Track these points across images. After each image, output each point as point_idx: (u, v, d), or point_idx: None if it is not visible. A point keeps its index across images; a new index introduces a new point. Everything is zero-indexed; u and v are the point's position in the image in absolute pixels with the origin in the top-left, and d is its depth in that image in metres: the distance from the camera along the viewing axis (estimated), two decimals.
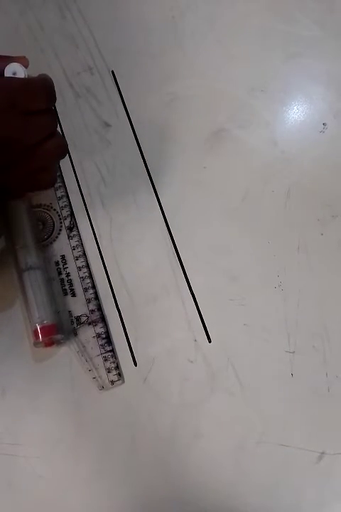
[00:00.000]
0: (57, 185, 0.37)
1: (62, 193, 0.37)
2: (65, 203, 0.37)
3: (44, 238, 0.36)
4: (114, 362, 0.33)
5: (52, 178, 0.33)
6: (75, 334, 0.33)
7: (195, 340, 0.33)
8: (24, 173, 0.30)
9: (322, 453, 0.31)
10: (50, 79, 0.30)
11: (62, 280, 0.35)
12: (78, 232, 0.36)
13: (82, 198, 0.37)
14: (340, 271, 0.35)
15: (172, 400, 0.32)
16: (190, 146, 0.39)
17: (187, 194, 0.37)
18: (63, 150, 0.32)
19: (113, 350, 0.33)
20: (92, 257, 0.35)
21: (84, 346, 0.33)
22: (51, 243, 0.36)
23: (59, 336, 0.32)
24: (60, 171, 0.38)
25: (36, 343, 0.32)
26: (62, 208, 0.37)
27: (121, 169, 0.38)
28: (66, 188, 0.37)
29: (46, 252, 0.35)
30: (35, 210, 0.37)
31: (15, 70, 0.29)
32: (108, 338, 0.33)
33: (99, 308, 0.34)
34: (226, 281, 0.35)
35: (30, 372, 0.33)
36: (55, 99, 0.30)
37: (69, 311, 0.34)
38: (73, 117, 0.40)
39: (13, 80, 0.29)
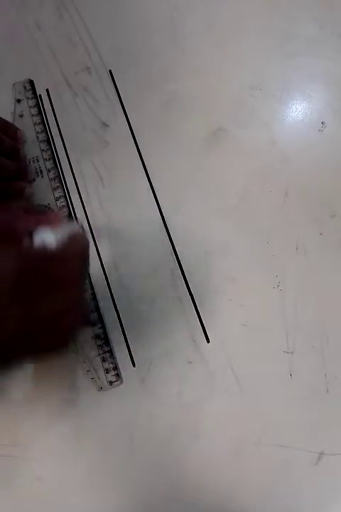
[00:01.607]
0: (55, 185, 0.37)
1: (60, 193, 0.37)
2: (63, 204, 0.37)
3: None
4: (112, 362, 0.33)
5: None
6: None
7: (194, 341, 0.33)
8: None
9: (321, 453, 0.31)
10: (86, 244, 0.26)
11: None
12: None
13: (80, 198, 0.37)
14: (339, 270, 0.35)
15: (171, 401, 0.32)
16: (189, 146, 0.39)
17: (186, 193, 0.37)
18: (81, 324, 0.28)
19: (111, 351, 0.33)
20: (91, 258, 0.35)
21: (82, 347, 0.33)
22: None
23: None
24: (59, 171, 0.38)
25: None
26: (59, 209, 0.37)
27: (119, 169, 0.38)
28: (64, 188, 0.37)
29: None
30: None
31: (45, 238, 0.23)
32: (106, 339, 0.33)
33: (97, 308, 0.34)
34: (225, 282, 0.35)
35: (29, 374, 0.33)
36: (87, 269, 0.27)
37: None
38: (71, 117, 0.40)
39: (43, 251, 0.23)
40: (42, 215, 0.26)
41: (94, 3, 0.44)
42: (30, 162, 0.38)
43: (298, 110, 0.40)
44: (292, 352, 0.33)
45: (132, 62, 0.42)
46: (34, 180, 0.37)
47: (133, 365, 0.33)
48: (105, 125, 0.39)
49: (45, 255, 0.23)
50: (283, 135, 0.39)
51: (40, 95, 0.40)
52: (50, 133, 0.39)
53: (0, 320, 0.21)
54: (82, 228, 0.26)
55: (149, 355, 0.33)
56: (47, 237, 0.23)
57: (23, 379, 0.33)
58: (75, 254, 0.25)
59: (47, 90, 0.40)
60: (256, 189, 0.37)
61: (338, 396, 0.32)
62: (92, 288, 0.35)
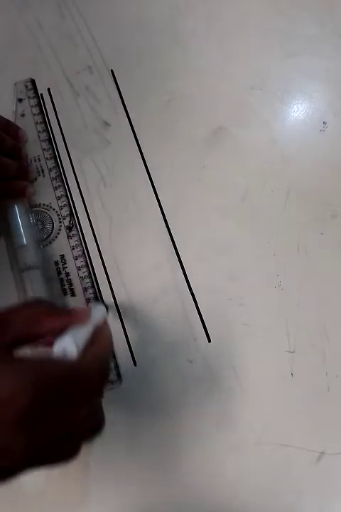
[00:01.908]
0: (56, 184, 0.37)
1: (62, 193, 0.37)
2: (65, 203, 0.37)
3: (43, 238, 0.36)
4: (112, 362, 0.33)
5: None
6: None
7: (195, 340, 0.33)
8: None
9: (322, 453, 0.31)
10: (111, 339, 0.24)
11: (61, 280, 0.35)
12: (77, 231, 0.36)
13: (81, 197, 0.37)
14: (340, 270, 0.35)
15: (173, 400, 0.32)
16: (190, 145, 0.39)
17: (187, 193, 0.37)
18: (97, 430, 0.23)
19: (114, 356, 0.33)
20: (92, 257, 0.35)
21: None
22: (50, 243, 0.36)
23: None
24: (60, 171, 0.38)
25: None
26: (61, 208, 0.37)
27: (120, 168, 0.38)
28: (65, 188, 0.37)
29: (45, 252, 0.35)
30: (34, 210, 0.36)
31: (66, 347, 0.21)
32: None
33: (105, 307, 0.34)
34: (226, 281, 0.35)
35: None
36: (110, 365, 0.25)
37: None
38: (72, 116, 0.40)
39: (62, 365, 0.20)
40: (66, 315, 0.23)
41: (96, 2, 0.44)
42: (31, 161, 0.38)
43: (299, 110, 0.40)
44: (293, 351, 0.33)
45: (133, 61, 0.42)
46: (35, 179, 0.37)
47: (135, 364, 0.33)
48: (106, 124, 0.39)
49: (65, 370, 0.19)
50: (284, 135, 0.39)
51: (41, 94, 0.40)
52: (52, 132, 0.39)
53: (4, 452, 0.18)
54: (107, 311, 0.25)
55: (150, 354, 0.33)
56: (69, 347, 0.20)
57: None
58: (99, 359, 0.22)
59: (48, 89, 0.40)
60: (257, 189, 0.37)
61: (339, 395, 0.32)
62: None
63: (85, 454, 0.32)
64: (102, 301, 0.34)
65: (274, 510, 0.31)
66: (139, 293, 0.35)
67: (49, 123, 0.39)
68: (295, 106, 0.40)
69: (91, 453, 0.32)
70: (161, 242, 0.35)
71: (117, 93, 0.40)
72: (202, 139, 0.39)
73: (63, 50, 0.42)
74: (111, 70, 0.41)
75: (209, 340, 0.33)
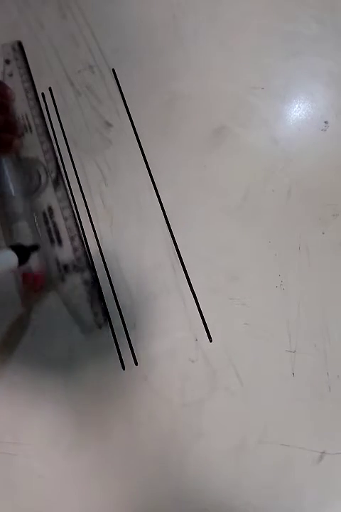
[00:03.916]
0: (43, 139, 0.38)
1: (48, 147, 0.38)
2: (51, 157, 0.38)
3: (31, 191, 0.37)
4: (100, 305, 0.33)
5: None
6: (63, 280, 0.34)
7: (196, 340, 0.33)
8: None
9: (323, 452, 0.31)
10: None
11: (49, 230, 0.36)
12: (64, 184, 0.37)
13: (83, 197, 0.37)
14: None
15: (173, 399, 0.32)
16: (191, 145, 0.39)
17: (188, 193, 0.37)
18: None
19: (100, 297, 0.34)
20: (93, 256, 0.35)
21: (71, 292, 0.34)
22: (38, 195, 0.37)
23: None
24: (46, 127, 0.39)
25: (26, 289, 0.33)
26: (48, 162, 0.38)
27: (122, 168, 0.38)
28: (52, 143, 0.38)
29: (33, 204, 0.36)
30: (22, 164, 0.37)
31: None
32: (94, 284, 0.34)
33: (85, 255, 0.35)
34: (227, 281, 0.35)
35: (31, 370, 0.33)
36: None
37: (56, 260, 0.35)
38: (74, 116, 0.40)
39: None
40: None
41: (97, 2, 0.44)
42: (19, 118, 0.39)
43: (300, 109, 0.40)
44: (294, 351, 0.33)
45: (135, 61, 0.42)
46: (23, 134, 0.39)
47: (136, 363, 0.33)
48: (108, 124, 0.39)
49: None
50: (285, 134, 0.39)
51: (42, 93, 0.40)
52: (53, 131, 0.39)
53: None
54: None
55: (151, 353, 0.33)
56: None
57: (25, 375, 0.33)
58: None
59: (50, 89, 0.40)
60: (259, 188, 0.37)
61: (340, 395, 0.32)
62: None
63: (85, 452, 0.32)
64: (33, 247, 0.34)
65: (275, 509, 0.31)
66: (140, 292, 0.35)
67: (50, 122, 0.39)
68: (296, 105, 0.40)
69: (92, 450, 0.32)
70: (162, 241, 0.36)
71: (119, 93, 0.40)
72: (203, 138, 0.39)
73: (65, 49, 0.42)
74: (113, 70, 0.41)
75: (211, 340, 0.33)
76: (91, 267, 0.34)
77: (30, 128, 0.39)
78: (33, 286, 0.33)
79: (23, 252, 0.30)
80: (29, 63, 0.41)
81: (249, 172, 0.38)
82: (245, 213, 0.36)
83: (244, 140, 0.39)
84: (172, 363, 0.33)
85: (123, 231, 0.36)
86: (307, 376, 0.32)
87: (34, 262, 0.33)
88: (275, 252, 0.35)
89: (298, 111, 0.40)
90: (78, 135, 0.39)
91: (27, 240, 0.34)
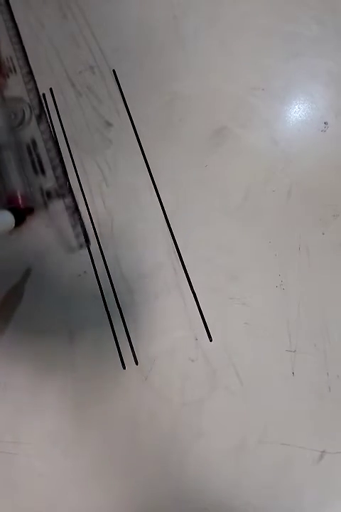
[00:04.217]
0: (27, 79, 0.39)
1: (32, 86, 0.39)
2: (35, 96, 0.38)
3: (16, 126, 0.38)
4: (81, 226, 0.34)
5: None
6: (46, 207, 0.35)
7: (196, 339, 0.33)
8: None
9: (323, 452, 0.31)
10: None
11: (32, 161, 0.37)
12: (46, 119, 0.38)
13: (83, 196, 0.37)
14: None
15: (173, 399, 0.32)
16: (191, 145, 0.39)
17: (188, 193, 0.37)
18: None
19: (81, 219, 0.34)
20: (94, 255, 0.35)
21: (54, 217, 0.35)
22: (22, 129, 0.38)
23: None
24: (30, 68, 0.39)
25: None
26: (31, 100, 0.38)
27: (122, 168, 0.38)
28: (35, 83, 0.38)
29: (17, 137, 0.38)
30: (6, 103, 0.38)
31: None
32: (76, 209, 0.35)
33: (67, 183, 0.36)
34: (227, 280, 0.35)
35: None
36: None
37: (40, 187, 0.36)
38: (75, 116, 0.40)
39: None
40: None
41: (97, 2, 0.44)
42: (4, 60, 0.40)
43: (300, 110, 0.40)
44: (294, 351, 0.33)
45: (135, 61, 0.42)
46: (8, 76, 0.39)
47: (136, 363, 0.33)
48: (108, 124, 0.40)
49: None
50: (285, 135, 0.39)
51: (43, 94, 0.40)
52: (54, 131, 0.39)
53: None
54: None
55: (152, 353, 0.33)
56: None
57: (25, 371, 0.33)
58: None
59: (50, 89, 0.41)
60: (259, 189, 0.37)
61: (340, 395, 0.32)
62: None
63: (86, 451, 0.32)
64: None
65: (275, 509, 0.31)
66: (141, 292, 0.35)
67: (51, 122, 0.39)
68: (296, 106, 0.40)
69: (93, 449, 0.32)
70: (163, 240, 0.36)
71: (119, 93, 0.40)
72: (203, 138, 0.39)
73: (65, 50, 0.42)
74: (113, 70, 0.41)
75: (211, 340, 0.33)
76: (71, 193, 0.36)
77: (15, 69, 0.40)
78: (21, 211, 0.34)
79: (18, 214, 0.31)
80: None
81: (249, 172, 0.38)
82: (245, 213, 0.36)
83: (245, 141, 0.39)
84: (172, 362, 0.33)
85: (124, 231, 0.36)
86: (307, 376, 0.32)
87: (19, 186, 0.35)
88: (276, 252, 0.35)
89: (298, 112, 0.40)
90: (79, 135, 0.39)
91: (11, 168, 0.35)
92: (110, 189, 0.38)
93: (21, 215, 0.32)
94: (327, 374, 0.32)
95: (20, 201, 0.35)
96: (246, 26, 0.43)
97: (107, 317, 0.34)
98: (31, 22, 0.44)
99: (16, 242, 0.37)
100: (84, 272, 0.35)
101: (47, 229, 0.35)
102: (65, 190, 0.36)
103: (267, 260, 0.35)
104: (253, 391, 0.32)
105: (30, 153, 0.38)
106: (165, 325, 0.34)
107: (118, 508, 0.31)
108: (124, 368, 0.33)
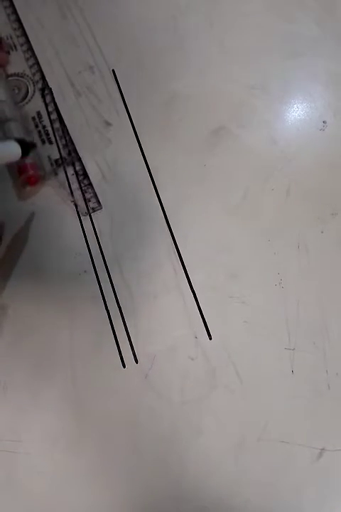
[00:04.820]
0: (28, 56, 0.42)
1: (33, 62, 0.41)
2: (37, 70, 0.41)
3: (20, 100, 0.40)
4: (91, 192, 0.37)
5: None
6: (56, 174, 0.37)
7: (196, 338, 0.33)
8: None
9: (323, 449, 0.31)
10: None
11: (39, 132, 0.39)
12: (50, 92, 0.40)
13: (83, 196, 0.37)
14: (340, 268, 0.35)
15: (173, 397, 0.32)
16: (191, 145, 0.39)
17: (188, 192, 0.37)
18: None
19: (91, 184, 0.37)
20: (94, 255, 0.36)
21: (64, 183, 0.37)
22: (27, 103, 0.40)
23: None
24: (30, 45, 0.42)
25: (24, 184, 0.36)
26: (33, 74, 0.41)
27: (121, 168, 0.38)
28: (36, 58, 0.41)
29: (23, 110, 0.40)
30: (9, 79, 0.41)
31: None
32: (85, 174, 0.37)
33: (75, 150, 0.38)
34: (227, 279, 0.35)
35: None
36: None
37: (48, 156, 0.38)
38: (74, 116, 0.40)
39: None
40: None
41: (97, 2, 0.44)
42: (4, 38, 0.42)
43: (299, 109, 0.40)
44: (293, 349, 0.33)
45: (134, 61, 0.42)
46: (9, 52, 0.42)
47: (136, 361, 0.33)
48: (108, 124, 0.40)
49: None
50: (284, 134, 0.39)
51: (43, 92, 0.40)
52: (54, 131, 0.39)
53: None
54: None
55: (151, 351, 0.33)
56: None
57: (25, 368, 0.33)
58: None
59: (50, 89, 0.41)
60: (258, 187, 0.37)
61: (339, 392, 0.32)
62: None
63: (86, 450, 0.32)
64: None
65: (275, 507, 0.31)
66: (140, 290, 0.35)
67: (51, 122, 0.40)
68: (295, 105, 0.40)
69: (92, 448, 0.32)
70: (162, 239, 0.36)
71: (119, 93, 0.40)
72: (203, 138, 0.39)
73: (65, 50, 0.43)
74: (113, 70, 0.41)
75: (210, 338, 0.33)
76: (80, 159, 0.38)
77: (15, 47, 0.43)
78: (29, 178, 0.36)
79: (24, 146, 0.32)
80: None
81: (249, 171, 0.38)
82: (244, 212, 0.37)
83: (244, 140, 0.39)
84: (172, 360, 0.33)
85: (124, 230, 0.36)
86: (306, 374, 0.33)
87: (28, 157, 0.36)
88: (275, 250, 0.35)
89: (297, 111, 0.40)
90: (78, 135, 0.39)
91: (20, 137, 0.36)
92: (110, 188, 0.38)
93: (27, 146, 0.33)
94: (327, 372, 0.33)
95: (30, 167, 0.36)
96: (245, 26, 0.43)
97: (107, 316, 0.34)
98: (31, 22, 0.44)
99: (28, 205, 0.37)
100: (84, 271, 0.36)
101: (58, 197, 0.37)
102: (72, 157, 0.37)
103: (266, 258, 0.35)
104: (253, 389, 0.32)
105: (36, 125, 0.39)
106: (165, 323, 0.34)
107: (118, 505, 0.31)
108: (124, 367, 0.33)
